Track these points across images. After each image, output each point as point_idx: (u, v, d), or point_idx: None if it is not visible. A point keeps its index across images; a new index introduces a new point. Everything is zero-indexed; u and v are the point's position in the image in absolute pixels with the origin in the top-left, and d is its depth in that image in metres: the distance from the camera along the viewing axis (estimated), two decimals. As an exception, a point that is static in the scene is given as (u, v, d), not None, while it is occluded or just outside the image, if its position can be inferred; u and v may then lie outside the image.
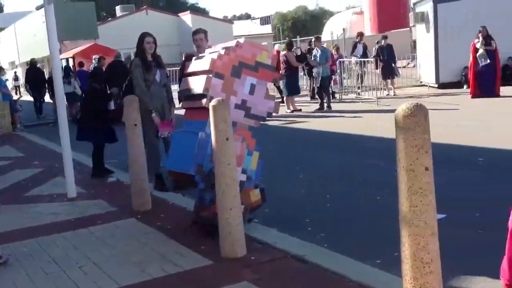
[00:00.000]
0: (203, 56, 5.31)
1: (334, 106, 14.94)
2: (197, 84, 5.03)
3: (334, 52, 17.64)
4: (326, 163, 8.04)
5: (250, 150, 5.05)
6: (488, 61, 13.98)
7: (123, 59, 15.57)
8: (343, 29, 24.74)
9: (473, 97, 13.93)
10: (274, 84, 15.55)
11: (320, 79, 14.62)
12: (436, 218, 2.95)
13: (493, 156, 7.34)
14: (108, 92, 8.66)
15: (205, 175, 4.82)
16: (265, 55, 5.10)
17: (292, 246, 4.59)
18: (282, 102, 14.73)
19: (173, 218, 5.66)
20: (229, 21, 53.66)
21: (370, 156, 8.09)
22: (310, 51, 16.64)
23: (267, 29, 52.88)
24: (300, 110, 14.91)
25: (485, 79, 14.03)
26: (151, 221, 5.56)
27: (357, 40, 18.99)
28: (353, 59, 17.92)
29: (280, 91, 15.74)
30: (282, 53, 15.33)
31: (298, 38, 24.40)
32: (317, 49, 15.22)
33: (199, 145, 4.85)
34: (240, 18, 69.89)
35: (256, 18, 58.14)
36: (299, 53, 15.96)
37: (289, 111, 14.80)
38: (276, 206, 5.79)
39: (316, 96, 15.31)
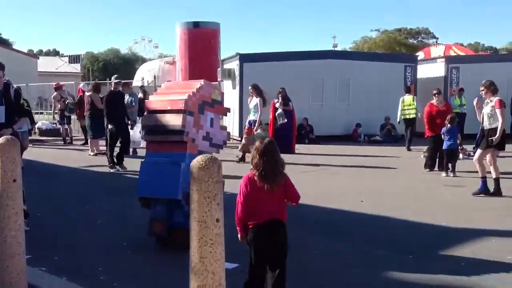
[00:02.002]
0: (163, 94, 6.21)
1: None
2: (172, 121, 5.75)
3: (140, 95, 17.60)
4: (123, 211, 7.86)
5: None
6: (286, 120, 15.09)
7: None
8: (154, 76, 24.95)
9: (271, 152, 14.83)
10: (81, 126, 15.23)
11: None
12: (224, 269, 3.04)
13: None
14: None
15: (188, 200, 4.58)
16: (217, 93, 6.20)
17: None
18: (86, 143, 14.22)
19: None
20: (34, 55, 50.96)
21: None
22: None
23: (76, 68, 51.18)
24: (104, 153, 14.52)
25: (283, 137, 15.06)
26: None
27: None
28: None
29: (85, 133, 15.20)
30: (87, 94, 14.91)
31: (108, 81, 24.00)
32: (127, 94, 15.09)
33: (184, 174, 5.44)
34: (48, 54, 66.77)
35: (65, 56, 56.04)
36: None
37: (92, 154, 14.33)
38: (68, 253, 5.48)
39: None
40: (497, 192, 8.79)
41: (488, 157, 8.93)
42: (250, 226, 3.98)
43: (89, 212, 7.67)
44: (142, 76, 29.17)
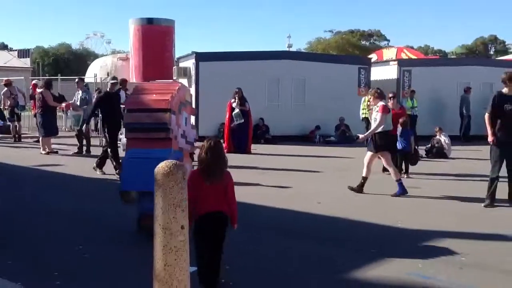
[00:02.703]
0: (141, 94, 6.57)
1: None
2: (158, 119, 6.22)
3: (96, 94, 17.30)
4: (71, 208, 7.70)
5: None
6: (242, 120, 15.09)
7: None
8: (108, 73, 24.51)
9: (227, 152, 14.80)
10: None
11: (81, 122, 14.13)
12: (189, 276, 3.00)
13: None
14: None
15: None
16: (188, 94, 6.97)
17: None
18: (38, 141, 13.83)
19: None
20: (-19, 49, 49.26)
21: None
22: None
23: (26, 62, 49.72)
24: (57, 152, 14.18)
25: (239, 137, 15.12)
26: None
27: (120, 86, 18.92)
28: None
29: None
30: (38, 90, 14.52)
31: (59, 76, 23.43)
32: (80, 90, 14.80)
33: None
34: (-4, 47, 64.71)
35: (14, 50, 54.35)
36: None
37: (44, 152, 13.95)
38: (21, 255, 5.31)
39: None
40: (359, 189, 9.33)
41: (383, 159, 9.47)
42: (195, 218, 4.28)
43: (44, 212, 7.46)
44: (95, 72, 28.56)
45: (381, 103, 9.36)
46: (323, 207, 8.24)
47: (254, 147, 15.56)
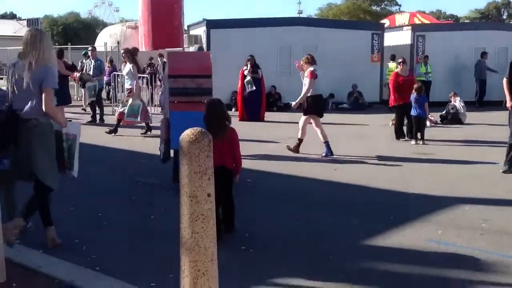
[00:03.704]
0: (182, 61, 7.57)
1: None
2: (204, 84, 7.05)
3: (107, 64, 17.26)
4: (95, 179, 7.71)
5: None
6: (254, 88, 14.98)
7: None
8: (118, 42, 24.36)
9: (240, 120, 14.77)
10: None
11: (96, 92, 14.14)
12: (216, 244, 2.99)
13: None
14: None
15: None
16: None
17: (59, 270, 4.26)
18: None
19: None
20: (-10, 18, 48.94)
21: (144, 174, 8.01)
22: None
23: (35, 32, 49.40)
24: (70, 121, 14.19)
25: (252, 105, 15.03)
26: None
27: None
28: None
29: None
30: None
31: (70, 46, 23.33)
32: (91, 60, 14.74)
33: None
34: (4, 17, 64.31)
35: (23, 19, 54.07)
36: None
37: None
38: (41, 225, 5.34)
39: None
40: (295, 150, 9.79)
41: (313, 122, 9.76)
42: None
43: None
44: (105, 41, 28.41)
45: (310, 68, 9.59)
46: (340, 174, 8.22)
47: (267, 115, 15.48)
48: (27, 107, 4.62)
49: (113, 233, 5.41)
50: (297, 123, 14.60)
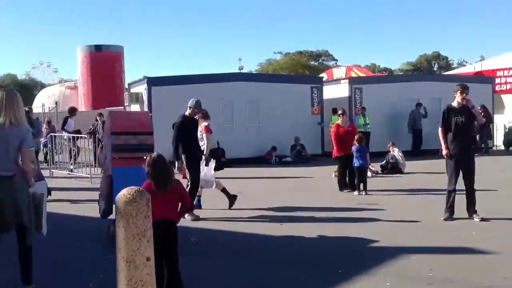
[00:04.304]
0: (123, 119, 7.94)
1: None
2: (145, 140, 7.42)
3: (45, 125, 16.85)
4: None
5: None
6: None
7: None
8: (56, 102, 23.94)
9: (183, 178, 14.48)
10: None
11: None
12: (156, 312, 2.81)
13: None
14: None
15: None
16: None
17: None
18: None
19: None
20: None
21: (79, 239, 7.67)
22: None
23: (-31, 94, 48.02)
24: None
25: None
26: None
27: (69, 115, 18.59)
28: (65, 134, 17.30)
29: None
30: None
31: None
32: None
33: None
34: None
35: (-43, 81, 52.54)
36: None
37: None
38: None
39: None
40: (231, 200, 9.70)
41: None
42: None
43: None
44: (42, 102, 27.87)
45: (204, 124, 9.87)
46: (285, 228, 8.12)
47: (211, 171, 15.33)
48: (5, 165, 4.85)
49: None
50: (241, 178, 14.65)
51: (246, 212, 9.44)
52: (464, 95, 8.36)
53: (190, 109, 9.34)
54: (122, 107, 30.86)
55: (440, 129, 8.54)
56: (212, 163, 9.59)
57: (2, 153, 4.86)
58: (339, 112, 12.44)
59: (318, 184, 13.08)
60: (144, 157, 6.51)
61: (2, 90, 5.16)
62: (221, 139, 18.09)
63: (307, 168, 16.52)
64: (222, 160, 17.77)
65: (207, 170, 9.48)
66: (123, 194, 2.78)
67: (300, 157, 18.74)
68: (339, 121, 12.19)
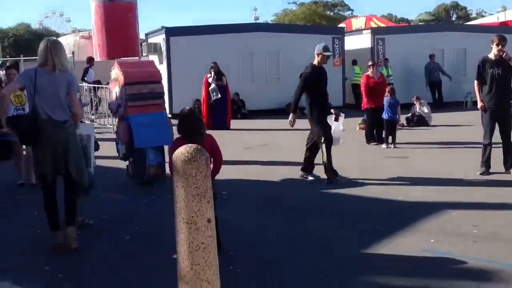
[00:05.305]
0: (133, 69, 8.34)
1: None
2: (156, 89, 8.16)
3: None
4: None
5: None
6: (219, 95, 14.65)
7: None
8: (72, 52, 23.62)
9: (206, 129, 14.35)
10: None
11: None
12: (219, 277, 2.66)
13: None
14: None
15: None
16: None
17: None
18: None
19: None
20: None
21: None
22: None
23: (-15, 44, 47.80)
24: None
25: (217, 113, 14.69)
26: None
27: (88, 65, 18.38)
28: (85, 85, 17.13)
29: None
30: (2, 72, 13.80)
31: (22, 57, 22.48)
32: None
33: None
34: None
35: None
36: None
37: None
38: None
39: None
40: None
41: None
42: None
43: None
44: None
45: None
46: (319, 182, 7.97)
47: (232, 123, 15.15)
48: (58, 110, 5.01)
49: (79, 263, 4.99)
50: (264, 130, 14.42)
51: (279, 166, 9.28)
52: (501, 46, 8.02)
53: (318, 56, 8.02)
54: (137, 58, 30.57)
55: (475, 82, 8.26)
56: (342, 118, 8.63)
57: (54, 99, 5.00)
58: (369, 63, 12.10)
59: (343, 137, 12.81)
60: (156, 104, 7.89)
61: (45, 39, 5.24)
62: (241, 90, 17.85)
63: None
64: (243, 111, 17.65)
65: (336, 126, 8.48)
66: (181, 152, 2.59)
67: (321, 109, 18.42)
68: (369, 72, 11.85)
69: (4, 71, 13.58)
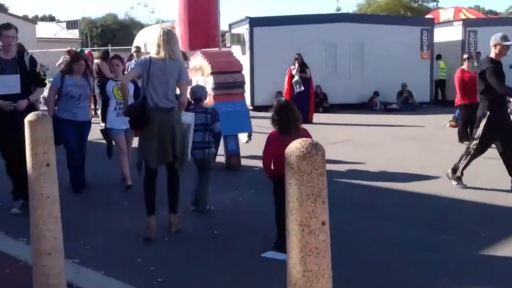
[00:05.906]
0: (218, 58, 8.98)
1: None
2: (238, 78, 8.70)
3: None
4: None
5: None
6: (303, 88, 14.37)
7: None
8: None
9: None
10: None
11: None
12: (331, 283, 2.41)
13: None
14: None
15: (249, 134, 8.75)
16: None
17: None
18: (96, 114, 13.45)
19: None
20: (32, 21, 49.07)
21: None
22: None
23: (75, 34, 49.79)
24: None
25: (300, 106, 14.28)
26: None
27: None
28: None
29: (96, 103, 14.42)
30: (95, 61, 14.14)
31: (110, 47, 23.16)
32: (136, 60, 14.37)
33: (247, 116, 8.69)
34: (43, 19, 65.05)
35: (62, 21, 54.54)
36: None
37: (104, 125, 13.58)
38: (95, 238, 4.90)
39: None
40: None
41: None
42: (274, 174, 4.70)
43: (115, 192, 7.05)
44: (144, 42, 28.16)
45: None
46: (412, 184, 7.55)
47: (314, 116, 14.82)
48: (165, 98, 5.10)
49: (175, 251, 4.89)
50: (347, 125, 14.00)
51: (368, 165, 8.93)
52: None
53: (496, 47, 7.11)
54: (217, 48, 30.82)
55: None
56: None
57: (163, 86, 5.09)
58: (465, 56, 11.44)
59: (433, 134, 12.24)
60: (237, 93, 8.42)
61: (160, 28, 5.33)
62: (323, 83, 17.45)
63: (415, 116, 15.62)
64: (325, 105, 17.27)
65: None
66: (295, 147, 2.35)
67: (407, 104, 17.76)
68: (464, 65, 11.20)
69: (99, 60, 13.93)
